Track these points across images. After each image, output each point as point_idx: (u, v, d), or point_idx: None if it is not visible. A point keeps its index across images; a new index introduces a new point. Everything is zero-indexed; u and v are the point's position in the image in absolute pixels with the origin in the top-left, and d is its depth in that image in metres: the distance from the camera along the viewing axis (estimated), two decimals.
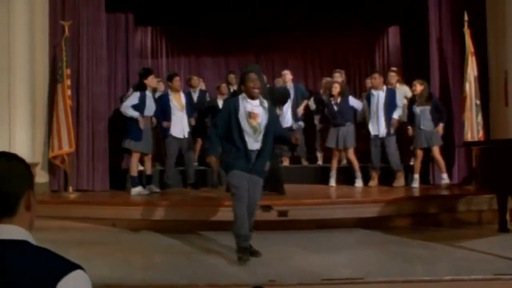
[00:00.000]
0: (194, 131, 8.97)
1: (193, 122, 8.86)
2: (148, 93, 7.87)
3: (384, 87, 8.40)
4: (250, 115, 5.01)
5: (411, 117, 8.17)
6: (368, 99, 8.54)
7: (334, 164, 8.55)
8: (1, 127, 7.32)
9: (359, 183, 8.38)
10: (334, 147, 8.45)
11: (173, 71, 9.76)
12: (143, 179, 7.97)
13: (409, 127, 8.34)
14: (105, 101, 8.44)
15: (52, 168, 7.93)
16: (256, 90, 5.04)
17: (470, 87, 7.79)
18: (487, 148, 6.12)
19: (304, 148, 9.84)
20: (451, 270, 4.60)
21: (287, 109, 9.19)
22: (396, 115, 8.25)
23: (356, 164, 8.43)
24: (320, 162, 9.91)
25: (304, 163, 9.74)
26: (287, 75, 9.83)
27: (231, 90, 8.93)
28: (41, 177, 7.75)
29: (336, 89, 8.48)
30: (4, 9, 7.35)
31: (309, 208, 6.46)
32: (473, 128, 7.70)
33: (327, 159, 9.51)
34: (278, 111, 7.82)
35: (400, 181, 8.22)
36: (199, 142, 9.65)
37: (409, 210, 6.77)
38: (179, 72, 12.55)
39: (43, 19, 8.01)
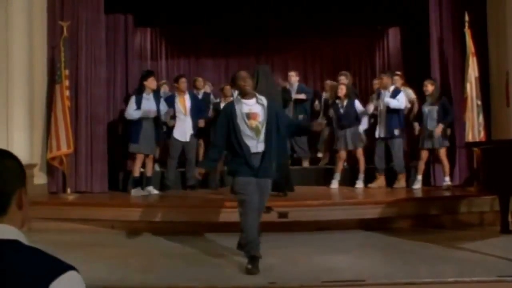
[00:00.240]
0: (199, 133, 8.93)
1: (201, 124, 8.76)
2: (146, 95, 7.85)
3: (392, 88, 8.34)
4: (249, 116, 4.79)
5: (419, 116, 8.14)
6: (377, 99, 8.49)
7: (340, 166, 8.51)
8: None
9: (359, 184, 8.33)
10: (341, 149, 8.42)
11: (180, 73, 9.65)
12: (143, 181, 7.92)
13: (416, 125, 8.26)
14: (104, 103, 8.38)
15: (50, 169, 7.89)
16: (247, 87, 4.88)
17: (471, 87, 7.75)
18: (488, 148, 6.08)
19: (307, 150, 9.77)
20: (453, 272, 4.56)
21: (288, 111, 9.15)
22: (390, 101, 8.14)
23: (362, 165, 8.40)
24: (324, 162, 9.81)
25: (305, 164, 9.67)
26: (293, 76, 9.75)
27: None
28: (39, 178, 7.70)
29: (342, 91, 8.45)
30: (2, 9, 7.30)
31: (310, 210, 6.41)
32: (474, 128, 7.66)
33: (331, 161, 9.48)
34: None
35: (401, 182, 8.17)
36: (202, 144, 9.60)
37: (411, 211, 6.73)
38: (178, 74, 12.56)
39: (42, 20, 7.97)
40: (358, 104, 8.52)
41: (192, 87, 9.64)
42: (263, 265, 4.63)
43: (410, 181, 8.26)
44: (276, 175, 5.21)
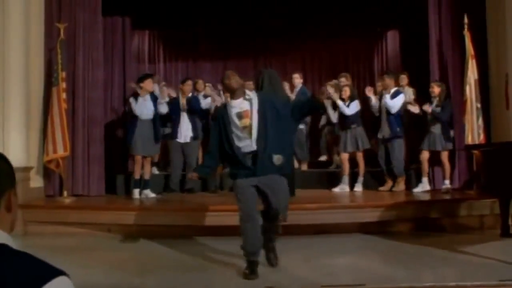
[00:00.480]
0: (199, 135, 8.90)
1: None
2: (142, 97, 7.80)
3: (393, 89, 8.29)
4: (241, 116, 4.59)
5: (422, 118, 8.13)
6: (380, 101, 8.45)
7: (346, 169, 8.43)
8: None
9: (359, 187, 8.28)
10: (342, 151, 8.38)
11: (187, 76, 9.59)
12: (141, 183, 7.89)
13: (427, 106, 8.00)
14: (101, 105, 8.34)
15: (47, 172, 7.82)
16: (232, 82, 4.64)
17: (471, 90, 7.70)
18: (488, 151, 6.02)
19: (307, 153, 9.71)
20: (455, 275, 4.53)
21: None
22: (386, 101, 8.12)
23: (362, 168, 8.36)
24: (333, 165, 9.74)
25: (304, 167, 9.62)
26: (297, 79, 9.62)
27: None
28: (35, 181, 7.63)
29: (346, 92, 8.42)
30: None
31: (308, 213, 6.36)
32: (473, 131, 7.61)
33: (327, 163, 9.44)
34: None
35: (400, 185, 8.13)
36: (200, 146, 9.55)
37: (410, 214, 6.69)
38: (176, 77, 12.54)
39: (39, 22, 7.90)
40: (354, 104, 8.46)
41: (193, 89, 9.60)
42: (260, 269, 4.57)
43: (409, 184, 8.22)
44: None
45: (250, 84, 9.18)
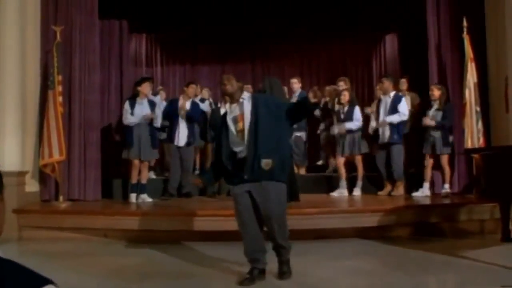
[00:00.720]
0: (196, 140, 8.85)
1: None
2: (139, 100, 7.77)
3: (393, 93, 8.25)
4: (236, 120, 4.49)
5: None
6: (377, 105, 8.40)
7: (343, 173, 8.41)
8: None
9: (357, 191, 8.24)
10: (339, 156, 8.32)
11: (192, 80, 9.49)
12: (138, 187, 7.82)
13: (427, 119, 7.98)
14: (97, 109, 8.27)
15: (42, 177, 7.73)
16: (223, 88, 4.55)
17: (470, 93, 7.67)
18: (489, 155, 5.97)
19: (305, 157, 9.65)
20: (456, 281, 4.47)
21: None
22: (390, 119, 8.06)
23: (360, 172, 8.31)
24: (330, 169, 9.71)
25: (302, 172, 9.56)
26: (295, 84, 9.55)
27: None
28: (31, 186, 7.54)
29: (345, 96, 8.38)
30: None
31: (307, 218, 6.29)
32: (473, 135, 7.57)
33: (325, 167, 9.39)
34: None
35: (399, 190, 8.08)
36: (197, 150, 9.50)
37: (410, 219, 6.63)
38: (174, 80, 12.53)
39: (35, 25, 7.83)
40: (357, 111, 8.42)
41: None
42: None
43: (408, 188, 8.17)
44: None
45: (249, 87, 9.16)
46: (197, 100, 9.33)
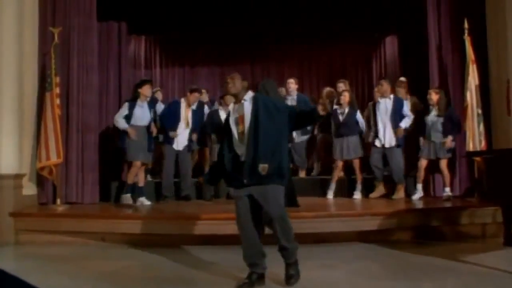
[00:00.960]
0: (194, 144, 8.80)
1: (194, 138, 8.62)
2: (140, 103, 7.70)
3: (392, 96, 8.21)
4: (237, 121, 4.45)
5: (423, 128, 7.99)
6: (373, 108, 8.32)
7: (336, 176, 8.36)
8: None
9: (357, 195, 8.19)
10: (338, 159, 8.25)
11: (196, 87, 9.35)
12: (135, 189, 7.75)
13: (421, 138, 8.04)
14: (95, 111, 8.21)
15: (40, 180, 7.67)
16: (230, 87, 4.48)
17: (471, 96, 7.61)
18: (491, 158, 5.91)
19: (305, 159, 9.58)
20: (457, 286, 4.40)
21: None
22: (404, 124, 8.05)
23: (359, 175, 8.27)
24: (314, 172, 9.72)
25: (302, 175, 9.49)
26: (292, 84, 9.43)
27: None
28: (28, 189, 7.47)
29: (346, 98, 8.30)
30: None
31: (306, 221, 6.22)
32: (474, 138, 7.51)
33: (324, 170, 9.32)
34: None
35: (400, 193, 8.02)
36: (196, 154, 9.44)
37: (411, 223, 6.56)
38: (173, 82, 12.48)
39: (33, 26, 7.77)
40: (359, 116, 8.39)
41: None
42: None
43: (408, 191, 8.13)
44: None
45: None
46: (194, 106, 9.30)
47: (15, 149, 7.18)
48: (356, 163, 8.26)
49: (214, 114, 8.59)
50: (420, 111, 8.24)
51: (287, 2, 9.82)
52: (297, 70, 12.71)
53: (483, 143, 7.52)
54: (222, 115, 8.34)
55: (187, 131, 8.39)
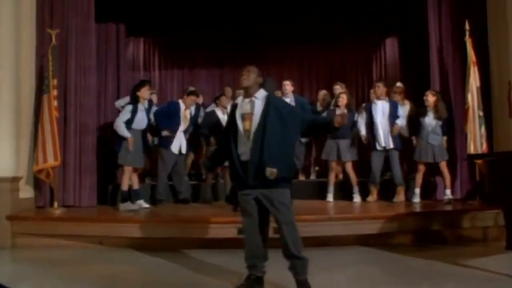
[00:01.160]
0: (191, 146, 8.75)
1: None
2: (140, 106, 7.61)
3: (387, 98, 8.17)
4: (244, 117, 4.30)
5: (418, 129, 7.93)
6: (369, 110, 8.23)
7: (332, 179, 8.30)
8: None
9: (357, 198, 8.12)
10: (332, 161, 8.19)
11: (193, 89, 9.24)
12: (131, 194, 7.64)
13: (414, 138, 8.01)
14: (93, 113, 8.13)
15: (37, 183, 7.60)
16: (242, 77, 4.36)
17: (473, 98, 7.56)
18: (493, 161, 5.85)
19: (303, 161, 9.52)
20: None
21: None
22: (400, 122, 8.01)
23: (354, 178, 8.19)
24: (313, 176, 9.66)
25: (301, 177, 9.43)
26: (287, 86, 9.34)
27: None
28: (25, 192, 7.39)
29: (343, 100, 8.22)
30: None
31: (306, 225, 6.13)
32: (476, 140, 7.46)
33: (323, 173, 9.26)
34: None
35: (400, 196, 7.96)
36: (191, 156, 9.37)
37: (411, 226, 6.51)
38: (172, 84, 12.43)
39: (30, 28, 7.69)
40: (356, 118, 8.34)
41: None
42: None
43: (408, 194, 8.07)
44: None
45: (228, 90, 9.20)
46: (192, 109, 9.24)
47: (12, 152, 7.11)
48: (349, 166, 8.19)
49: (212, 114, 8.54)
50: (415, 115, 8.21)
51: (287, 4, 9.77)
52: (297, 72, 12.67)
53: (485, 145, 7.47)
54: (219, 116, 8.30)
55: (184, 135, 8.31)
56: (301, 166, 9.39)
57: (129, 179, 7.53)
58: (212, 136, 8.38)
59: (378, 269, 5.28)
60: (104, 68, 9.07)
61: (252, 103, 4.32)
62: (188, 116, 8.37)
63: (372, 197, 8.08)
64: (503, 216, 5.73)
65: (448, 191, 7.66)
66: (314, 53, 12.61)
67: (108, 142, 8.31)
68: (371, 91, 8.87)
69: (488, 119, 7.71)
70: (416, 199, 7.78)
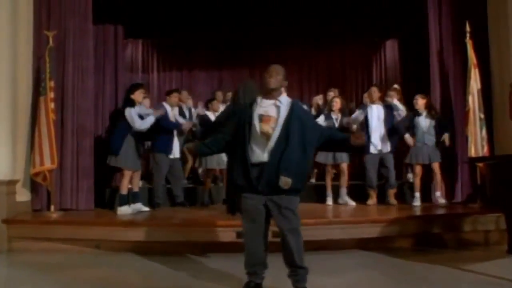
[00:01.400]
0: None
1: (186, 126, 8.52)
2: (138, 109, 7.52)
3: (381, 103, 8.16)
4: (262, 119, 4.08)
5: (412, 130, 7.88)
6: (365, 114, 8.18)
7: (329, 182, 8.25)
8: None
9: (351, 201, 8.08)
10: (328, 165, 8.16)
11: (173, 88, 9.24)
12: (129, 197, 7.58)
13: (408, 137, 7.91)
14: (91, 116, 8.05)
15: (34, 186, 7.52)
16: (272, 80, 4.17)
17: (474, 100, 7.51)
18: (494, 164, 5.81)
19: None
20: None
21: None
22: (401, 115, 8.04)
23: (347, 181, 8.19)
24: (313, 179, 9.61)
25: None
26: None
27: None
28: (22, 195, 7.33)
29: (337, 104, 8.22)
30: None
31: (305, 229, 6.01)
32: (477, 143, 7.41)
33: (321, 177, 9.23)
34: None
35: (393, 198, 8.01)
36: (190, 159, 9.32)
37: (411, 230, 6.44)
38: (170, 87, 12.37)
39: (27, 30, 7.65)
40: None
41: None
42: None
43: (406, 197, 8.15)
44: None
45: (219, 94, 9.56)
46: (185, 108, 9.18)
47: (8, 155, 7.06)
48: (346, 167, 8.14)
49: (205, 118, 8.50)
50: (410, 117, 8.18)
51: (286, 5, 9.72)
52: (297, 74, 12.65)
53: (486, 148, 7.42)
54: (213, 119, 8.28)
55: (178, 137, 8.29)
56: None
57: (128, 183, 7.46)
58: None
59: (378, 273, 5.22)
60: (102, 70, 9.02)
61: (277, 108, 4.15)
62: (178, 118, 8.36)
63: (372, 201, 8.04)
64: (505, 220, 5.70)
65: (438, 193, 7.66)
66: (315, 56, 12.60)
67: (106, 144, 8.23)
68: (365, 95, 8.86)
69: (489, 122, 7.67)
70: (417, 202, 7.74)
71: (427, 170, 7.86)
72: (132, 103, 7.46)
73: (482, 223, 6.54)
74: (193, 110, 9.60)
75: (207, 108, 8.93)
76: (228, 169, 6.34)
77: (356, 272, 5.27)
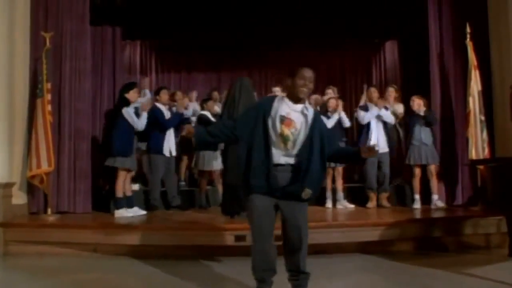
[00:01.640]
0: (182, 148, 8.62)
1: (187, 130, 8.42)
2: (131, 108, 7.48)
3: (380, 103, 8.11)
4: (283, 120, 3.89)
5: (410, 131, 7.89)
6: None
7: (329, 183, 8.21)
8: None
9: (348, 204, 8.08)
10: (328, 166, 8.11)
11: (161, 85, 9.22)
12: (127, 200, 7.50)
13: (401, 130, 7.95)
14: (88, 118, 8.00)
15: (31, 188, 7.47)
16: (305, 90, 4.00)
17: (474, 102, 7.48)
18: (496, 166, 5.76)
19: None
20: None
21: None
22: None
23: (342, 184, 8.18)
24: None
25: None
26: (277, 92, 9.32)
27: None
28: (18, 198, 7.26)
29: (333, 104, 8.19)
30: None
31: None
32: (477, 145, 7.36)
33: None
34: None
35: (385, 201, 8.03)
36: (185, 160, 9.26)
37: (412, 233, 6.38)
38: (169, 88, 12.28)
39: (24, 31, 7.59)
40: (343, 115, 8.26)
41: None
42: None
43: (406, 200, 8.12)
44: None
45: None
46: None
47: (5, 157, 7.00)
48: (340, 170, 8.12)
49: (203, 117, 8.44)
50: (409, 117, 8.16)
51: (286, 6, 9.68)
52: None
53: (487, 150, 7.37)
54: (211, 118, 8.25)
55: (172, 135, 8.21)
56: None
57: (123, 184, 7.38)
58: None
59: (378, 277, 5.17)
60: (99, 71, 8.97)
61: (304, 116, 3.98)
62: (169, 114, 8.31)
63: (372, 204, 7.99)
64: (506, 223, 5.68)
65: (436, 197, 7.64)
66: (314, 57, 12.52)
67: (103, 147, 8.20)
68: (362, 96, 8.82)
69: (490, 124, 7.64)
70: (417, 205, 7.71)
71: (426, 172, 7.84)
72: (127, 103, 7.41)
73: (483, 226, 6.49)
74: (186, 111, 9.53)
75: (202, 108, 8.84)
76: (228, 169, 6.27)
77: (356, 276, 5.23)
